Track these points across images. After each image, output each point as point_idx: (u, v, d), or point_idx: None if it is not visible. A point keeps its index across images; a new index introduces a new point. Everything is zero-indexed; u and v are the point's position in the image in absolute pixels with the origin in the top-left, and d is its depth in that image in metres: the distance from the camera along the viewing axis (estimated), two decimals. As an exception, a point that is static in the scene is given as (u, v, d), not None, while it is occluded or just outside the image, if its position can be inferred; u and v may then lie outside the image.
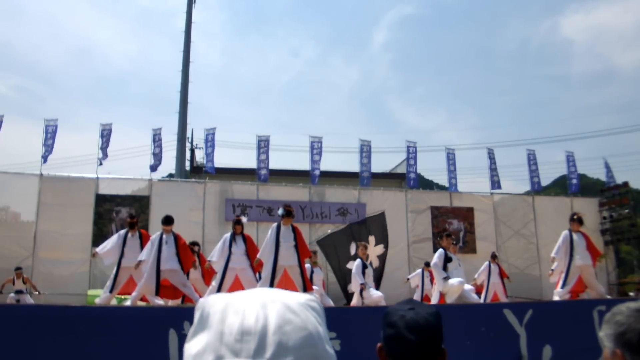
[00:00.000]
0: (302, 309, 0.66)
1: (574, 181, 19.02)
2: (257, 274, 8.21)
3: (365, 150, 17.36)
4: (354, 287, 9.59)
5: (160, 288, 7.75)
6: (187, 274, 8.08)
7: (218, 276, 8.13)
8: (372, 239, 7.78)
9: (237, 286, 7.78)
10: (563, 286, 8.14)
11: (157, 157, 16.32)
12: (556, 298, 8.12)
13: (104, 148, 15.90)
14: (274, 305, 0.65)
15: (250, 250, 8.30)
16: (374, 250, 7.70)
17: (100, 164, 15.76)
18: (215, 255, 8.38)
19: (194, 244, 9.51)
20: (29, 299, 12.07)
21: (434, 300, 8.42)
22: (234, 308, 0.65)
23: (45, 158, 15.29)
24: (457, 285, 7.90)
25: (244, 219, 8.67)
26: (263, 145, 16.66)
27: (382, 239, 7.81)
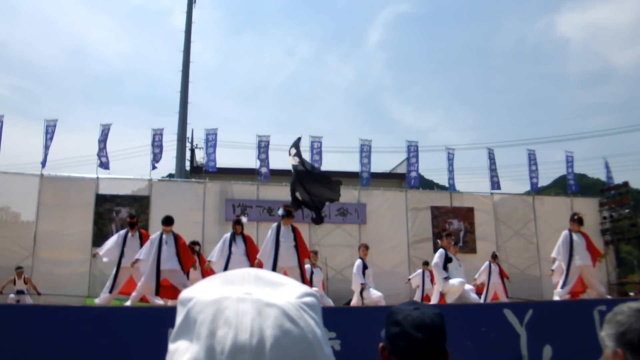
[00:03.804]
0: (300, 313, 0.60)
1: (571, 181, 19.06)
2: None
3: (365, 150, 17.37)
4: (354, 287, 9.59)
5: (160, 288, 7.74)
6: (188, 274, 8.07)
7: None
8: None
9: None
10: (563, 286, 8.13)
11: (157, 158, 16.32)
12: (556, 298, 8.12)
13: (103, 149, 15.90)
14: (270, 311, 0.58)
15: (250, 250, 8.30)
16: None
17: (106, 166, 15.75)
18: (215, 256, 8.38)
19: (195, 243, 9.50)
20: (28, 300, 12.04)
21: (434, 300, 8.41)
22: (224, 317, 0.57)
23: (44, 163, 15.27)
24: (457, 285, 7.89)
25: (244, 219, 8.67)
26: (263, 145, 16.66)
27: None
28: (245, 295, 0.60)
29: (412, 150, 17.82)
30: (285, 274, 7.81)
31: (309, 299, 0.63)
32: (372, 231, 16.22)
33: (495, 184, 18.08)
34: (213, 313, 0.58)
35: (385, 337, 1.35)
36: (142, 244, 8.30)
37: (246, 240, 8.40)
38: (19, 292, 11.97)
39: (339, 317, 5.11)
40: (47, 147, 15.42)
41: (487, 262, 12.04)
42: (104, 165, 15.83)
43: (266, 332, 0.56)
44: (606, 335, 1.17)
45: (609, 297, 9.28)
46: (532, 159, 18.62)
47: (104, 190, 15.20)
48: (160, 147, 16.47)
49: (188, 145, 21.40)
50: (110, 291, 8.20)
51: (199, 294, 0.62)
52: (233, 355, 0.55)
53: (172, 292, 7.89)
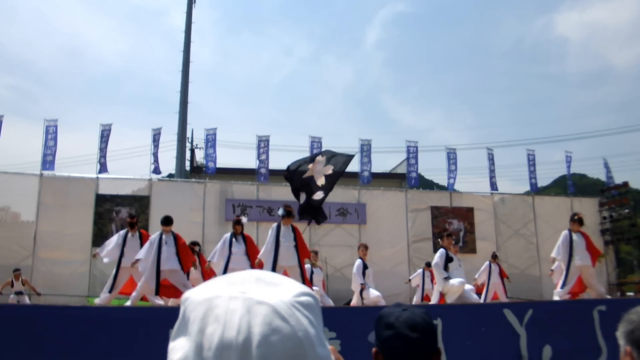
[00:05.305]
0: (292, 311, 0.59)
1: (569, 182, 19.11)
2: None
3: (366, 150, 17.36)
4: (354, 287, 9.59)
5: (160, 288, 7.75)
6: (188, 274, 8.08)
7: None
8: (322, 159, 8.02)
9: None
10: (563, 286, 8.13)
11: (157, 158, 16.30)
12: (556, 298, 8.12)
13: (103, 149, 15.88)
14: (260, 309, 0.58)
15: (251, 250, 8.30)
16: (323, 169, 7.99)
17: (104, 170, 15.71)
18: (215, 257, 8.38)
19: (195, 243, 9.50)
20: (26, 301, 12.03)
21: (434, 300, 8.42)
22: (214, 314, 0.58)
23: (51, 163, 15.20)
24: (457, 285, 7.90)
25: (244, 219, 8.67)
26: (263, 145, 16.66)
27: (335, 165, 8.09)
28: (238, 293, 0.60)
29: (412, 151, 17.82)
30: (285, 273, 7.83)
31: (305, 298, 0.63)
32: (372, 231, 16.21)
33: (494, 184, 18.08)
34: (204, 311, 0.59)
35: (377, 341, 1.35)
36: (142, 244, 8.31)
37: (246, 240, 8.40)
38: (18, 293, 11.97)
39: (339, 317, 5.11)
40: (48, 148, 15.37)
41: (487, 262, 12.04)
42: (103, 167, 15.78)
43: (254, 330, 0.56)
44: (620, 333, 1.21)
45: (608, 297, 9.28)
46: (531, 159, 18.63)
47: (104, 190, 15.19)
48: (158, 147, 16.45)
49: (188, 145, 21.41)
50: (110, 291, 8.20)
51: (195, 293, 0.63)
52: (219, 352, 0.55)
53: (172, 292, 7.90)
